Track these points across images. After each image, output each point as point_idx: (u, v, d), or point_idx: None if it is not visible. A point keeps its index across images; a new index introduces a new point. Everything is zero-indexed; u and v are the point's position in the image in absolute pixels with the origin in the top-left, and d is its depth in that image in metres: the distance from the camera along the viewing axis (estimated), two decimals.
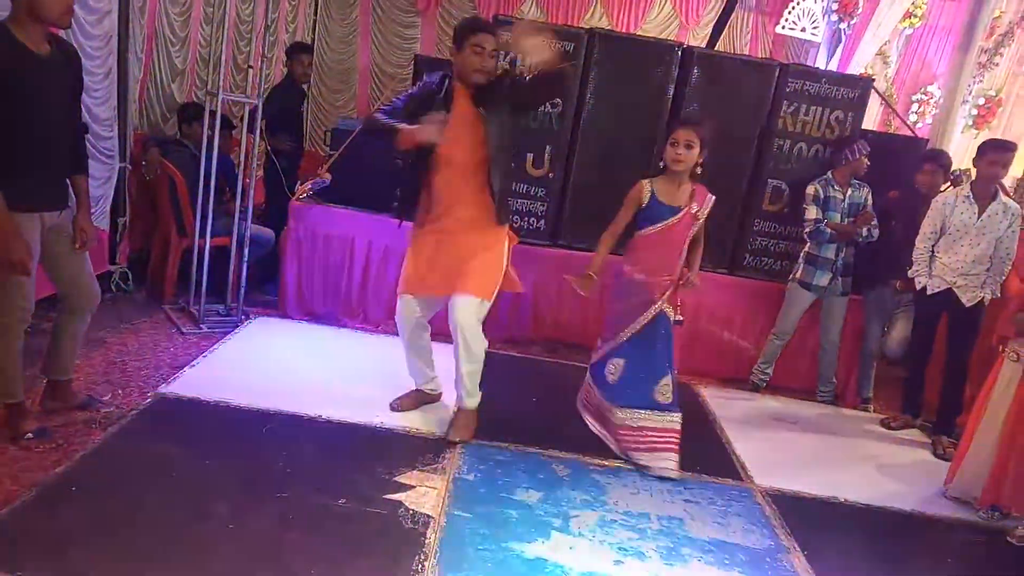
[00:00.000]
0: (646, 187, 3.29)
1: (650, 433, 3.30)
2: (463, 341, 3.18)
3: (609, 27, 8.07)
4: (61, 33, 2.84)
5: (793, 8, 7.71)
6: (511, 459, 3.21)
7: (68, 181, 2.82)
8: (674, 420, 3.33)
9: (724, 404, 4.25)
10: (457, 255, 3.20)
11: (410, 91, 3.25)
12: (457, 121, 3.06)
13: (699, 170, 3.25)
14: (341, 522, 2.57)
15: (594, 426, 3.49)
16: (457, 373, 3.26)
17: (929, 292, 4.00)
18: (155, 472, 2.71)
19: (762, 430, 4.01)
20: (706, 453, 3.57)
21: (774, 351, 4.50)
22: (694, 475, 3.33)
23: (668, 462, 3.28)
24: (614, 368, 3.37)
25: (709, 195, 3.30)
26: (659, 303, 3.29)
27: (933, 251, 4.00)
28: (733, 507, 3.12)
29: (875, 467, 3.76)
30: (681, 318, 3.34)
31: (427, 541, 2.54)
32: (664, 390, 3.31)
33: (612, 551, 2.67)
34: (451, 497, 2.83)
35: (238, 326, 4.22)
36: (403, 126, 3.01)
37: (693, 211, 3.26)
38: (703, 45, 7.31)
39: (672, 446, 3.30)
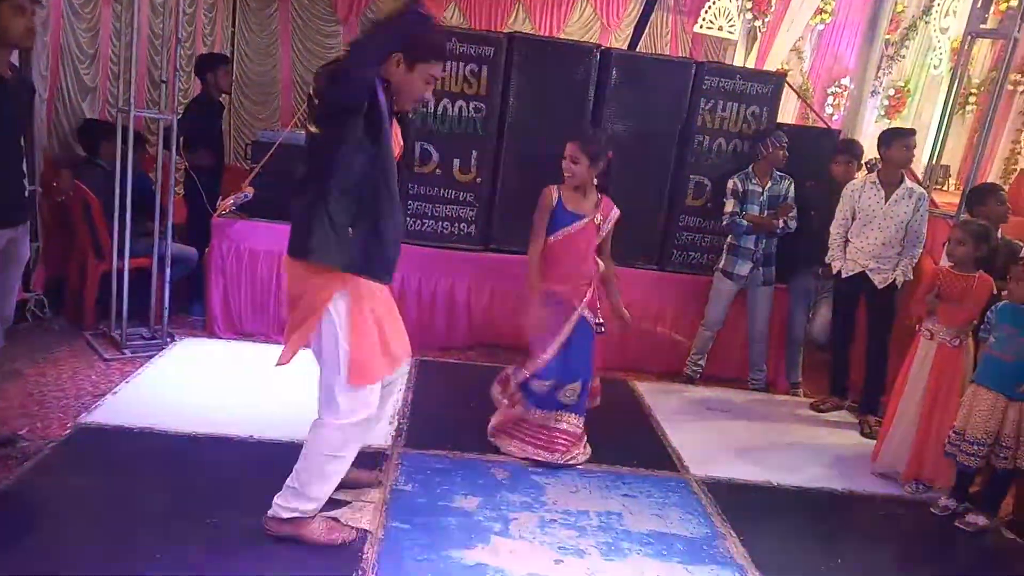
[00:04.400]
0: (553, 192, 3.31)
1: (558, 435, 3.34)
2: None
3: (532, 30, 8.12)
4: None
5: (710, 7, 7.91)
6: (450, 466, 3.19)
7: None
8: (576, 423, 3.37)
9: (659, 397, 4.31)
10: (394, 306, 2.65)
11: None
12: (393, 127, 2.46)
13: (595, 181, 3.28)
14: (274, 543, 2.50)
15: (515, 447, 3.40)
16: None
17: (844, 275, 4.15)
18: (76, 506, 2.60)
19: (696, 420, 4.09)
20: (643, 446, 3.64)
21: (705, 342, 4.59)
22: (631, 469, 3.37)
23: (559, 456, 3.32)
24: (541, 385, 3.35)
25: (614, 208, 3.34)
26: (579, 309, 3.30)
27: (847, 236, 4.15)
28: (670, 498, 3.17)
29: (806, 450, 3.87)
30: (602, 321, 3.37)
31: (365, 556, 2.50)
32: (570, 393, 3.33)
33: (552, 551, 2.68)
34: (389, 509, 2.80)
35: (163, 349, 4.09)
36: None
37: (597, 221, 3.29)
38: (625, 46, 7.43)
39: (566, 447, 3.35)
